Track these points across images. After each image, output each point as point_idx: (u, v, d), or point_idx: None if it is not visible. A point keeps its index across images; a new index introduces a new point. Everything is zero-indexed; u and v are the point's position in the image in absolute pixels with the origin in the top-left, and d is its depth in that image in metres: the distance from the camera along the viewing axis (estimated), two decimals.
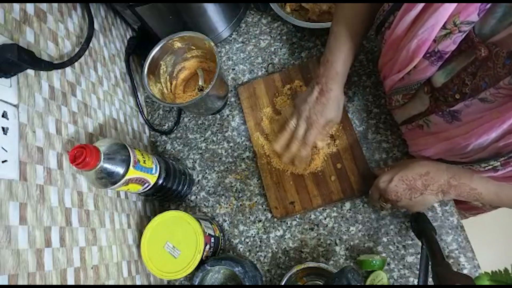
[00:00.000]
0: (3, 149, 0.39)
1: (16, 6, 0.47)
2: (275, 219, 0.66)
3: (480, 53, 0.39)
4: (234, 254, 0.66)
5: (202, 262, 0.54)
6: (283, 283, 0.53)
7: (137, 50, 0.79)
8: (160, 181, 0.61)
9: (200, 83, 0.74)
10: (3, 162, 0.38)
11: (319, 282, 0.55)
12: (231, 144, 0.73)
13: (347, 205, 0.63)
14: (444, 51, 0.41)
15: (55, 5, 0.57)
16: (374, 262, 0.55)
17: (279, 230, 0.65)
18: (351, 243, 0.61)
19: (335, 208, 0.64)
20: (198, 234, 0.55)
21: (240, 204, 0.69)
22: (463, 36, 0.39)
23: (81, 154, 0.45)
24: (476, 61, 0.40)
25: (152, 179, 0.58)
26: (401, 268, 0.58)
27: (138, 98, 0.78)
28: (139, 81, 0.82)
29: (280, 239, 0.64)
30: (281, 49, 0.78)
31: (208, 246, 0.57)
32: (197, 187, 0.72)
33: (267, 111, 0.71)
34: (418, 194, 0.50)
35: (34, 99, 0.46)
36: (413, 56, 0.43)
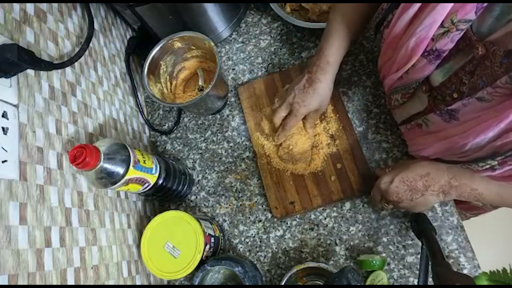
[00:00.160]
0: (3, 149, 0.39)
1: (16, 6, 0.47)
2: (275, 219, 0.66)
3: (477, 52, 0.39)
4: (234, 254, 0.66)
5: (202, 262, 0.54)
6: (283, 283, 0.53)
7: (137, 50, 0.79)
8: (160, 181, 0.61)
9: (200, 83, 0.74)
10: (3, 162, 0.38)
11: (319, 282, 0.55)
12: (231, 144, 0.73)
13: (347, 205, 0.63)
14: (442, 50, 0.41)
15: (55, 5, 0.57)
16: (374, 262, 0.55)
17: (279, 230, 0.65)
18: (351, 243, 0.61)
19: (335, 208, 0.64)
20: (198, 234, 0.55)
21: (240, 204, 0.69)
22: (461, 34, 0.39)
23: (81, 154, 0.45)
24: (474, 60, 0.40)
25: (152, 179, 0.58)
26: (401, 268, 0.58)
27: (138, 98, 0.78)
28: (139, 81, 0.82)
29: (280, 239, 0.64)
30: (281, 49, 0.78)
31: (208, 246, 0.57)
32: (197, 187, 0.72)
33: (267, 111, 0.71)
34: (419, 195, 0.50)
35: (34, 99, 0.46)
36: (411, 54, 0.44)
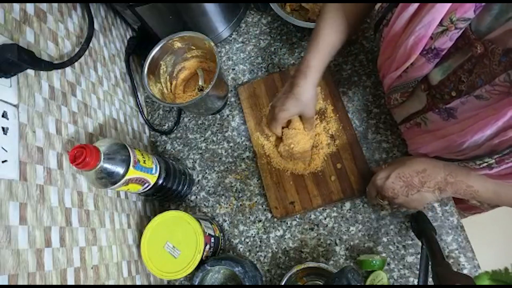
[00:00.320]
0: (3, 149, 0.39)
1: (16, 6, 0.47)
2: (275, 219, 0.66)
3: (476, 50, 0.39)
4: (234, 254, 0.66)
5: (202, 262, 0.54)
6: (283, 283, 0.53)
7: (137, 50, 0.79)
8: (160, 181, 0.61)
9: (200, 83, 0.74)
10: (3, 162, 0.38)
11: (319, 282, 0.55)
12: (231, 144, 0.73)
13: (347, 205, 0.63)
14: (440, 48, 0.41)
15: (55, 5, 0.57)
16: (374, 262, 0.55)
17: (279, 230, 0.65)
18: (351, 243, 0.61)
19: (335, 208, 0.64)
20: (198, 234, 0.55)
21: (240, 204, 0.69)
22: (460, 33, 0.39)
23: (81, 154, 0.45)
24: (472, 58, 0.40)
25: (152, 179, 0.58)
26: (401, 268, 0.58)
27: (138, 98, 0.78)
28: (139, 81, 0.82)
29: (280, 239, 0.64)
30: (281, 49, 0.78)
31: (208, 246, 0.57)
32: (197, 187, 0.72)
33: (267, 111, 0.71)
34: (415, 191, 0.50)
35: (34, 99, 0.46)
36: (410, 52, 0.44)
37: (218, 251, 0.63)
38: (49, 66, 0.48)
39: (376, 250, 0.60)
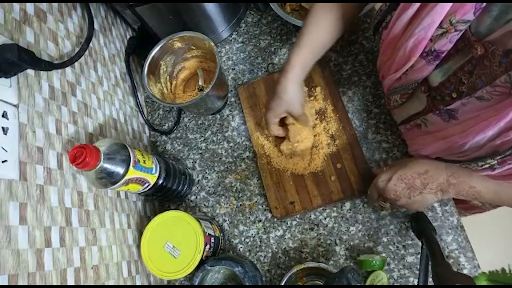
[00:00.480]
0: (3, 149, 0.39)
1: (16, 6, 0.47)
2: (275, 219, 0.66)
3: (476, 52, 0.39)
4: (234, 254, 0.66)
5: (202, 262, 0.54)
6: (283, 283, 0.53)
7: (137, 50, 0.79)
8: (160, 181, 0.61)
9: (200, 83, 0.74)
10: (3, 162, 0.38)
11: (319, 282, 0.55)
12: (231, 144, 0.73)
13: (347, 205, 0.63)
14: (440, 50, 0.41)
15: (55, 5, 0.57)
16: (374, 262, 0.55)
17: (279, 230, 0.65)
18: (351, 243, 0.61)
19: (335, 208, 0.64)
20: (198, 234, 0.55)
21: (240, 204, 0.69)
22: (459, 35, 0.39)
23: (81, 154, 0.45)
24: (473, 60, 0.40)
25: (152, 179, 0.58)
26: (401, 268, 0.58)
27: (138, 98, 0.78)
28: (139, 81, 0.82)
29: (280, 239, 0.64)
30: (281, 49, 0.78)
31: (208, 246, 0.57)
32: (197, 187, 0.72)
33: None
34: (417, 193, 0.50)
35: (34, 99, 0.46)
36: (410, 55, 0.44)
37: (218, 251, 0.63)
38: (49, 66, 0.48)
39: (376, 250, 0.60)
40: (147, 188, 0.59)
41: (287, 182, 0.65)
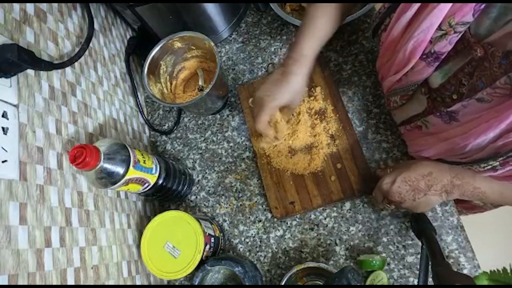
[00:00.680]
0: (3, 149, 0.39)
1: (16, 6, 0.48)
2: (275, 219, 0.66)
3: (476, 53, 0.39)
4: (234, 254, 0.66)
5: (202, 262, 0.54)
6: (283, 283, 0.53)
7: (137, 50, 0.79)
8: (160, 181, 0.61)
9: (200, 83, 0.74)
10: (3, 162, 0.38)
11: (319, 282, 0.55)
12: (231, 144, 0.73)
13: (347, 205, 0.63)
14: (440, 52, 0.41)
15: (55, 5, 0.57)
16: (374, 262, 0.55)
17: (279, 230, 0.65)
18: (351, 243, 0.61)
19: (335, 208, 0.64)
20: (198, 234, 0.55)
21: (240, 204, 0.69)
22: (459, 36, 0.39)
23: (81, 154, 0.45)
24: (473, 61, 0.40)
25: (152, 179, 0.58)
26: (401, 268, 0.58)
27: (138, 98, 0.78)
28: (139, 81, 0.82)
29: (280, 239, 0.64)
30: (281, 49, 0.78)
31: (208, 246, 0.57)
32: (197, 187, 0.72)
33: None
34: (421, 195, 0.50)
35: (34, 99, 0.46)
36: (409, 57, 0.44)
37: (218, 251, 0.63)
38: (49, 66, 0.49)
39: (376, 250, 0.60)
40: (147, 188, 0.59)
41: (287, 182, 0.65)
